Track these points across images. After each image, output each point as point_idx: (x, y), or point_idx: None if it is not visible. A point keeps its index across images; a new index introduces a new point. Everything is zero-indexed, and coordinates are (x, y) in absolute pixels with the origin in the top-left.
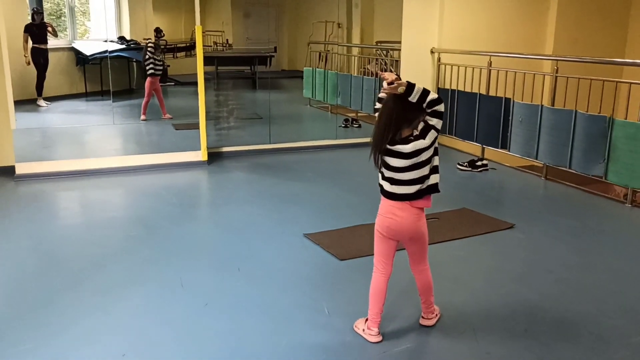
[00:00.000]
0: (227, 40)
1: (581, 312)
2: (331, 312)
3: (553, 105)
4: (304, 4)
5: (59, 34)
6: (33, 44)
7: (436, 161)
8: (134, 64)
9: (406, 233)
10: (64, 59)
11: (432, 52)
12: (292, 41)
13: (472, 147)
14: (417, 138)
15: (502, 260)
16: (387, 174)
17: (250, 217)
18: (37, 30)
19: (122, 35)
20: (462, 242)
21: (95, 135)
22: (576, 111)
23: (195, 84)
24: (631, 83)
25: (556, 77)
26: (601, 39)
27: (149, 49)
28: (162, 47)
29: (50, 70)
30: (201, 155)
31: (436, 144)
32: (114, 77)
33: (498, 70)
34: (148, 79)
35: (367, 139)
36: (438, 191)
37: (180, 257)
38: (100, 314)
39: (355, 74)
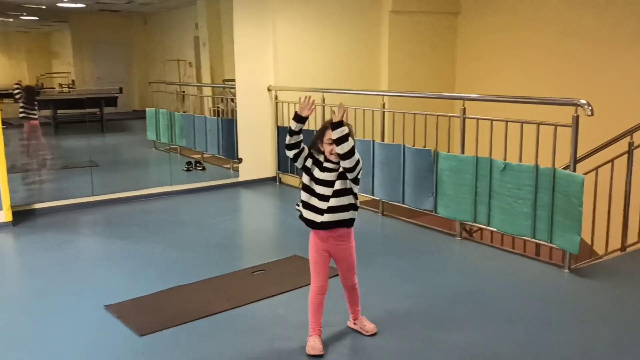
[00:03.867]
0: (72, 81)
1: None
2: None
3: (383, 141)
4: (153, 43)
5: None
6: None
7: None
8: None
9: None
10: None
11: (269, 89)
12: (143, 80)
13: None
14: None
15: (329, 313)
16: None
17: (44, 288)
18: None
19: None
20: (284, 297)
21: None
22: (404, 145)
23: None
24: (450, 116)
25: (383, 112)
26: (433, 73)
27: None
28: None
29: None
30: (4, 215)
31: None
32: None
33: (330, 106)
34: None
35: (209, 183)
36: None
37: None
38: None
39: (208, 115)
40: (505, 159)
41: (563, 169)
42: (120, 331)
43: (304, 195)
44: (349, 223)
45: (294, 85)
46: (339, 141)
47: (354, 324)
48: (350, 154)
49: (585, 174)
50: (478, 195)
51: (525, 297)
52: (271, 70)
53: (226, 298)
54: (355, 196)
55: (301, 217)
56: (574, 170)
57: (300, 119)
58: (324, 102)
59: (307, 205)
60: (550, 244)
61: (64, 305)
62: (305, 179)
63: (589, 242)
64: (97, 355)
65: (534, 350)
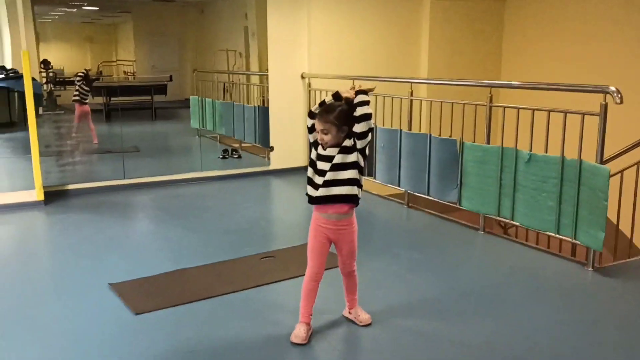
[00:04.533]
0: (133, 69)
1: None
2: None
3: (410, 130)
4: (206, 33)
5: None
6: None
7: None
8: (15, 94)
9: None
10: None
11: (302, 77)
12: (198, 69)
13: None
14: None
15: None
16: None
17: (59, 264)
18: None
19: (2, 65)
20: (287, 283)
21: None
22: (430, 135)
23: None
24: (476, 104)
25: (411, 100)
26: (476, 62)
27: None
28: (51, 78)
29: None
30: (36, 194)
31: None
32: None
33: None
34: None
35: (240, 170)
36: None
37: None
38: None
39: (255, 104)
40: (531, 150)
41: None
42: (118, 309)
43: (309, 171)
44: (348, 199)
45: (327, 73)
46: (359, 105)
47: (349, 313)
48: (365, 117)
49: (620, 172)
50: (503, 188)
51: (540, 295)
52: (305, 57)
53: (229, 282)
54: (361, 171)
55: (307, 193)
56: (601, 162)
57: (338, 98)
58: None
59: (310, 181)
60: (574, 240)
61: (73, 281)
62: (313, 154)
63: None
64: (87, 329)
65: (536, 349)
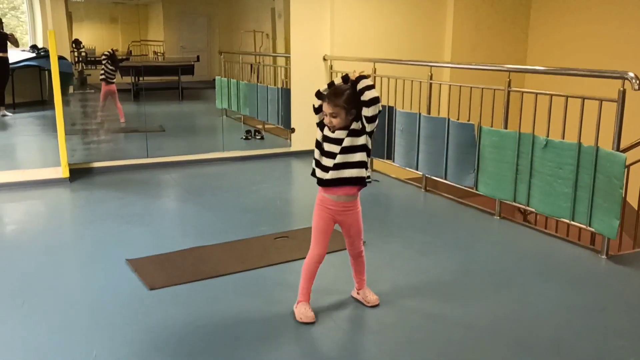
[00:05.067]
0: (162, 49)
1: None
2: (99, 356)
3: (429, 113)
4: (234, 14)
5: None
6: None
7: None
8: (47, 73)
9: None
10: None
11: (324, 59)
12: (224, 50)
13: None
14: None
15: (335, 282)
16: None
17: (80, 239)
18: None
19: (34, 44)
20: (298, 264)
21: None
22: (449, 119)
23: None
24: (495, 89)
25: (430, 83)
26: (502, 45)
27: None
28: (82, 58)
29: None
30: (61, 171)
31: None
32: (23, 88)
33: (381, 77)
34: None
35: (261, 151)
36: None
37: None
38: None
39: (277, 85)
40: (548, 136)
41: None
42: (133, 284)
43: (316, 153)
44: (357, 181)
45: (349, 55)
46: (365, 89)
47: (357, 294)
48: (374, 101)
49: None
50: (519, 173)
51: (550, 280)
52: (327, 39)
53: (241, 260)
54: (369, 153)
55: (313, 174)
56: (618, 149)
57: (347, 80)
58: (375, 72)
59: (317, 163)
60: (589, 228)
61: (92, 256)
62: (319, 135)
63: None
64: (102, 302)
65: (539, 332)
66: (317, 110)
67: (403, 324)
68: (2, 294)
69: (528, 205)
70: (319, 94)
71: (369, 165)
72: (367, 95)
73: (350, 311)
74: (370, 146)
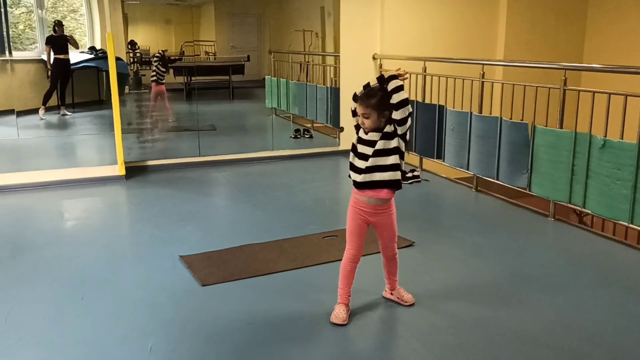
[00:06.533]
0: (213, 49)
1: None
2: (154, 350)
3: (481, 113)
4: (284, 14)
5: (32, 46)
6: (54, 55)
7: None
8: (104, 74)
9: None
10: (33, 71)
11: (374, 58)
12: (274, 50)
13: (411, 158)
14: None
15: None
16: None
17: (135, 236)
18: (58, 42)
19: (92, 45)
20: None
21: (18, 149)
22: (501, 118)
23: (168, 90)
24: (550, 87)
25: (482, 82)
26: (557, 43)
27: (154, 60)
28: (137, 58)
29: (21, 83)
30: (118, 169)
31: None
32: (82, 88)
33: (432, 76)
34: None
35: (310, 150)
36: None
37: (28, 283)
38: None
39: (326, 85)
40: (605, 136)
41: None
42: (186, 280)
43: (350, 155)
44: (390, 184)
45: (400, 54)
46: (394, 91)
47: (391, 294)
48: (402, 104)
49: None
50: (575, 174)
51: (607, 285)
52: (377, 38)
53: (291, 259)
54: (402, 156)
55: (350, 177)
56: None
57: (383, 81)
58: (424, 71)
59: (351, 165)
60: None
61: (146, 252)
62: (355, 138)
63: None
64: (157, 297)
65: (596, 339)
66: (354, 113)
67: (454, 327)
68: (64, 288)
69: (584, 207)
70: (355, 97)
71: (403, 167)
72: (395, 98)
73: (382, 312)
74: (403, 149)
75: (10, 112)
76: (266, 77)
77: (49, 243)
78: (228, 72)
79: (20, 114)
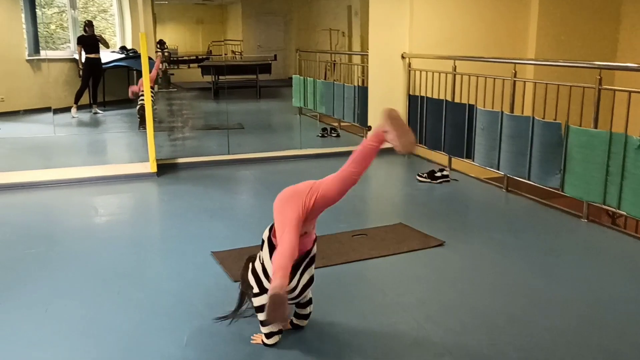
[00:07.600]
0: (240, 49)
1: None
2: (189, 343)
3: (512, 112)
4: (310, 13)
5: (63, 45)
6: (86, 54)
7: None
8: (134, 73)
9: None
10: (66, 70)
11: (402, 57)
12: (300, 49)
13: (440, 157)
14: None
15: (411, 284)
16: None
17: (167, 231)
18: (88, 42)
19: (123, 45)
20: (377, 262)
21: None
22: (533, 118)
23: (196, 89)
24: (584, 87)
25: (514, 81)
26: (589, 41)
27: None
28: (166, 58)
29: (55, 82)
30: (150, 166)
31: None
32: (113, 87)
33: (462, 75)
34: None
35: (337, 149)
36: None
37: (64, 276)
38: None
39: (353, 84)
40: None
41: None
42: (218, 275)
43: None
44: None
45: (429, 53)
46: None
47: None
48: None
49: None
50: (609, 175)
51: (635, 288)
52: (406, 37)
53: (320, 256)
54: None
55: None
56: None
57: None
58: (454, 69)
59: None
60: None
61: (178, 247)
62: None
63: None
64: (190, 291)
65: (630, 339)
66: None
67: (487, 326)
68: (100, 282)
69: (619, 208)
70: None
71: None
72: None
73: (433, 311)
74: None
75: (46, 109)
76: (293, 76)
77: (83, 238)
78: (255, 71)
79: (56, 112)
